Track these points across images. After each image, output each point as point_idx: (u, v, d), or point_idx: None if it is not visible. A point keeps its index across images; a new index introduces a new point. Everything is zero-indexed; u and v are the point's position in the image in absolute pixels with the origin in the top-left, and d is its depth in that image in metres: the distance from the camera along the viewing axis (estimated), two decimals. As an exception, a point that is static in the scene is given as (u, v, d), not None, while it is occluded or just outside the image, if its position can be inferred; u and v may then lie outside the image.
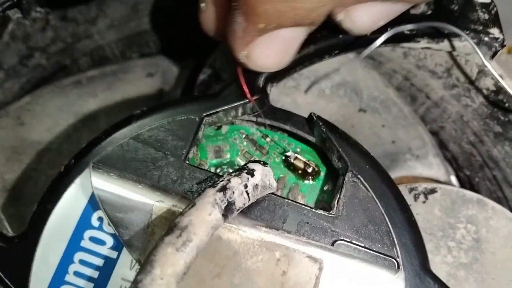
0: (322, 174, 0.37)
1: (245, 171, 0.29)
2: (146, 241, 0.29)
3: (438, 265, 0.40)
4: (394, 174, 0.48)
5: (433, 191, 0.41)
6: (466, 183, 0.49)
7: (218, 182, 0.28)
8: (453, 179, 0.50)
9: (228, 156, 0.37)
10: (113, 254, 0.30)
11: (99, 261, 0.30)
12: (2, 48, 0.43)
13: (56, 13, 0.46)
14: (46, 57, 0.46)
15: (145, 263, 0.23)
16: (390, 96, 0.49)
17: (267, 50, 0.33)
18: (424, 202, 0.41)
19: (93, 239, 0.31)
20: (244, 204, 0.28)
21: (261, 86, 0.35)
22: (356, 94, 0.49)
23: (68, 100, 0.47)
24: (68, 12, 0.46)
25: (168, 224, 0.26)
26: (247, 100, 0.34)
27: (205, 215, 0.26)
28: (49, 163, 0.44)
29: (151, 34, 0.51)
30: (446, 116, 0.47)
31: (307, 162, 0.36)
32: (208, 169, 0.36)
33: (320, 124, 0.34)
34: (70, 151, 0.34)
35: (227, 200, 0.27)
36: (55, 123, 0.46)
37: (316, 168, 0.36)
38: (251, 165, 0.30)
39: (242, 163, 0.37)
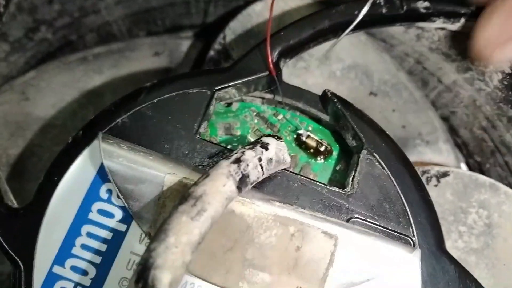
0: (334, 153, 0.36)
1: (259, 145, 0.28)
2: (157, 213, 0.28)
3: (449, 250, 0.39)
4: (403, 159, 0.47)
5: (445, 174, 0.40)
6: (476, 169, 0.48)
7: (232, 154, 0.27)
8: (463, 165, 0.50)
9: (238, 133, 0.36)
10: (122, 227, 0.29)
11: (107, 234, 0.29)
12: (8, 20, 0.42)
13: (62, -12, 0.45)
14: (52, 31, 0.45)
15: (158, 232, 0.23)
16: (401, 79, 0.49)
17: None
18: (436, 185, 0.40)
19: (101, 212, 0.30)
20: (258, 178, 0.28)
21: (274, 61, 0.35)
22: (367, 77, 0.48)
23: (74, 76, 0.46)
24: (75, -13, 0.46)
25: (181, 195, 0.25)
26: (261, 75, 0.34)
27: (220, 185, 0.25)
28: (53, 139, 0.43)
29: (159, 11, 0.50)
30: (458, 101, 0.46)
31: (319, 140, 0.35)
32: (221, 139, 0.35)
33: (335, 100, 0.33)
34: (75, 128, 0.33)
35: (241, 172, 0.26)
36: (60, 99, 0.45)
37: (328, 147, 0.35)
38: (265, 139, 0.29)
39: (252, 140, 0.36)
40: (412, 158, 0.48)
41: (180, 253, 0.22)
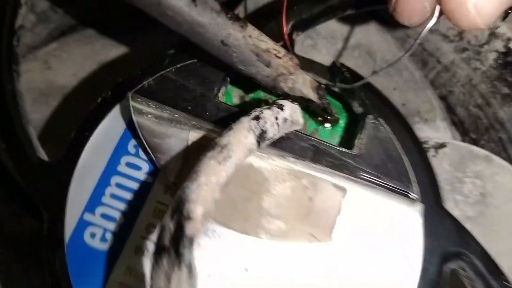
0: (341, 122, 0.38)
1: (276, 106, 0.31)
2: (182, 165, 0.31)
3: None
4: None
5: (443, 145, 0.43)
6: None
7: (251, 112, 0.30)
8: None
9: (252, 101, 0.39)
10: (149, 179, 0.32)
11: (135, 185, 0.32)
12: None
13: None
14: (76, 5, 0.47)
15: (191, 173, 0.25)
16: (402, 60, 0.51)
17: None
18: (434, 156, 0.43)
19: (129, 165, 0.32)
20: (274, 135, 0.30)
21: (288, 33, 0.37)
22: (370, 56, 0.51)
23: (93, 49, 0.48)
24: None
25: (206, 146, 0.27)
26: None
27: (242, 137, 0.27)
28: (73, 107, 0.45)
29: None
30: (455, 80, 0.49)
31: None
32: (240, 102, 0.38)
33: (344, 70, 0.36)
34: (94, 97, 0.35)
35: (260, 127, 0.29)
36: (80, 69, 0.47)
37: (335, 115, 0.38)
38: (280, 101, 0.32)
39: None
40: (411, 134, 0.51)
41: (211, 190, 0.24)
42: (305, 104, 0.35)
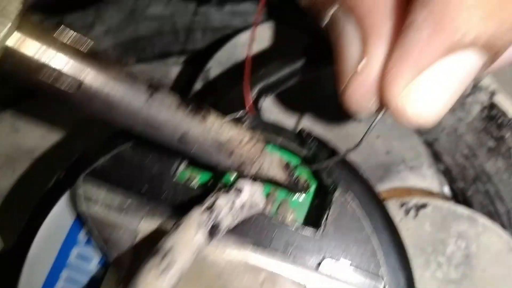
0: (312, 188, 0.36)
1: (233, 189, 0.29)
2: (132, 259, 0.29)
3: (428, 281, 0.40)
4: (387, 185, 0.48)
5: (424, 206, 0.41)
6: (459, 195, 0.49)
7: (204, 201, 0.28)
8: (447, 190, 0.50)
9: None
10: (100, 271, 0.30)
11: (85, 279, 0.30)
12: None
13: (52, 19, 0.46)
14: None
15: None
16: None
17: (437, 88, 0.24)
18: (415, 217, 0.41)
19: (80, 256, 0.31)
20: (230, 224, 0.28)
21: (253, 99, 0.35)
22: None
23: (62, 108, 0.46)
24: (65, 18, 0.46)
25: (153, 244, 0.26)
26: (240, 113, 0.34)
27: (189, 237, 0.26)
28: (43, 171, 0.44)
29: (147, 40, 0.51)
30: (440, 129, 0.47)
31: (297, 176, 0.36)
32: (199, 181, 0.36)
33: (310, 140, 0.34)
34: (64, 159, 0.34)
35: (213, 221, 0.27)
36: (49, 130, 0.46)
37: (306, 184, 0.36)
38: (240, 183, 0.30)
39: (234, 174, 0.37)
40: (396, 183, 0.49)
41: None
42: (274, 185, 0.34)
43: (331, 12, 0.28)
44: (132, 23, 0.50)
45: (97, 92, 0.24)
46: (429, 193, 0.49)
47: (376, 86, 0.25)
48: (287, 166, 0.34)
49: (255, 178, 0.32)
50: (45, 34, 0.23)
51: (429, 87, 0.24)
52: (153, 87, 0.26)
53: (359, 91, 0.26)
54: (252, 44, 0.35)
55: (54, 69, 0.23)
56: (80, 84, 0.24)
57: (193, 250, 0.26)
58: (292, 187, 0.34)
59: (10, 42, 0.22)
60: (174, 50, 0.53)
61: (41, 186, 0.33)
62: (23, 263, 0.31)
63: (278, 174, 0.33)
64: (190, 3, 0.49)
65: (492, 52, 0.23)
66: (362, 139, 0.30)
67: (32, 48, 0.22)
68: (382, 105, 0.25)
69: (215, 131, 0.29)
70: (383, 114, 0.27)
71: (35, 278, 0.30)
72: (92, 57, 0.24)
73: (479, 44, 0.23)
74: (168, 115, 0.27)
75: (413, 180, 0.49)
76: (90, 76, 0.24)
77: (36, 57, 0.23)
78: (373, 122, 0.28)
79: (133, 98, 0.25)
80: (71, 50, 0.24)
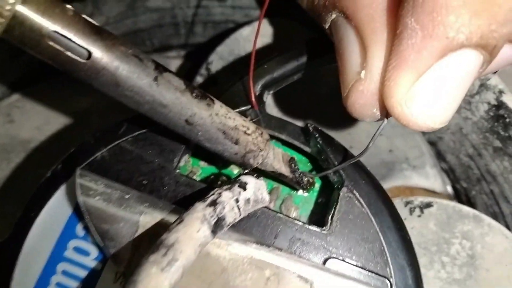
0: (317, 185, 0.36)
1: (237, 185, 0.28)
2: (132, 253, 0.28)
3: (431, 280, 0.39)
4: (390, 184, 0.47)
5: (429, 205, 0.40)
6: (462, 195, 0.48)
7: (208, 196, 0.27)
8: (450, 190, 0.49)
9: (220, 163, 0.36)
10: (98, 266, 0.29)
11: (82, 273, 0.29)
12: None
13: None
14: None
15: (127, 284, 0.22)
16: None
17: (439, 91, 0.24)
18: (419, 216, 0.40)
19: (77, 249, 0.30)
20: (234, 220, 0.27)
21: (257, 94, 0.34)
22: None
23: (60, 98, 0.46)
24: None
25: (154, 239, 0.25)
26: (243, 108, 0.34)
27: (193, 231, 0.25)
28: (38, 162, 0.43)
29: (147, 32, 0.50)
30: (445, 127, 0.46)
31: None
32: (200, 177, 0.35)
33: (317, 135, 0.33)
34: (60, 151, 0.33)
35: (217, 215, 0.26)
36: (45, 121, 0.44)
37: (310, 180, 0.35)
38: (243, 178, 0.29)
39: (235, 171, 0.36)
40: (398, 182, 0.48)
41: (149, 307, 0.22)
42: (277, 178, 0.33)
43: (331, 18, 0.28)
44: (132, 15, 0.49)
45: (107, 64, 0.24)
46: (432, 193, 0.49)
47: (378, 93, 0.25)
48: (291, 160, 0.33)
49: (259, 170, 0.31)
50: (57, 3, 0.23)
51: (430, 90, 0.23)
52: (161, 67, 0.26)
53: (361, 99, 0.26)
54: (257, 38, 0.34)
55: (66, 37, 0.23)
56: (90, 54, 0.23)
57: (196, 245, 0.25)
58: (296, 182, 0.34)
59: (20, 8, 0.21)
60: (174, 43, 0.52)
61: (37, 177, 0.32)
62: (18, 255, 0.30)
63: (282, 167, 0.32)
64: (191, -4, 0.49)
65: (487, 49, 0.23)
66: (369, 144, 0.30)
67: (43, 14, 0.22)
68: (386, 111, 0.25)
69: (221, 116, 0.28)
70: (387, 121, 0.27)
71: (30, 271, 0.29)
72: (103, 30, 0.24)
73: (472, 43, 0.22)
74: (176, 96, 0.26)
75: (416, 179, 0.48)
76: (101, 48, 0.23)
77: (47, 24, 0.22)
78: (378, 129, 0.28)
79: (142, 74, 0.25)
80: (82, 19, 0.23)
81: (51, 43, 0.22)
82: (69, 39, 0.23)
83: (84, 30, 0.23)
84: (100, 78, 0.24)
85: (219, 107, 0.28)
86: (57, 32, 0.22)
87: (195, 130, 0.28)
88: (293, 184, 0.34)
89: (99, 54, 0.23)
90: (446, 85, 0.24)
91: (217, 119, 0.28)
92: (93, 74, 0.24)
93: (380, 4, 0.25)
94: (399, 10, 0.23)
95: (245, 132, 0.29)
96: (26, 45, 0.22)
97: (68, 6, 0.23)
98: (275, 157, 0.32)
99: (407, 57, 0.23)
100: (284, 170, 0.32)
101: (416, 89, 0.23)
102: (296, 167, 0.33)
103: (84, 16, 0.24)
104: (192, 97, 0.27)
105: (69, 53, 0.23)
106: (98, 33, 0.24)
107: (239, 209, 0.28)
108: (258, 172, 0.31)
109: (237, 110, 0.33)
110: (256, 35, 0.33)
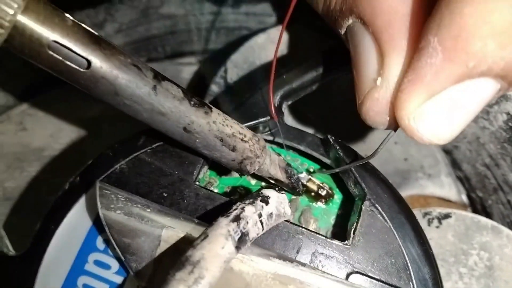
0: (336, 197, 0.35)
1: (260, 199, 0.28)
2: (154, 268, 0.28)
3: (449, 292, 0.39)
4: (405, 192, 0.47)
5: (447, 216, 0.40)
6: (478, 204, 0.48)
7: (231, 211, 0.26)
8: (465, 199, 0.49)
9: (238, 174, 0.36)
10: (119, 279, 0.29)
11: (103, 287, 0.29)
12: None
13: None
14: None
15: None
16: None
17: (449, 114, 0.24)
18: (437, 227, 0.40)
19: (97, 263, 0.29)
20: (257, 234, 0.27)
21: (276, 104, 0.34)
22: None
23: (72, 105, 0.45)
24: (75, 15, 0.45)
25: (178, 255, 0.24)
26: (263, 119, 0.33)
27: (218, 248, 0.24)
28: (52, 171, 0.42)
29: (159, 39, 0.50)
30: (462, 136, 0.46)
31: (320, 184, 0.35)
32: (218, 187, 0.35)
33: (337, 147, 0.33)
34: (73, 159, 0.33)
35: (241, 231, 0.26)
36: (58, 128, 0.44)
37: (330, 191, 0.35)
38: (265, 192, 0.29)
39: (253, 182, 0.36)
40: (413, 191, 0.48)
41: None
42: (273, 183, 0.34)
43: (347, 23, 0.27)
44: (145, 22, 0.49)
45: (106, 73, 0.24)
46: (447, 202, 0.48)
47: (390, 103, 0.25)
48: (287, 166, 0.33)
49: (256, 175, 0.32)
50: (57, 13, 0.22)
51: (440, 111, 0.23)
52: (160, 76, 0.26)
53: (376, 107, 0.26)
54: (277, 51, 0.34)
55: (65, 46, 0.22)
56: (89, 63, 0.23)
57: (221, 262, 0.24)
58: (292, 188, 0.34)
59: (21, 18, 0.21)
60: (187, 50, 0.51)
61: (51, 187, 0.32)
62: (38, 269, 0.29)
63: (278, 173, 0.33)
64: (205, 3, 0.48)
65: (507, 80, 0.23)
66: (379, 147, 0.30)
67: (43, 24, 0.22)
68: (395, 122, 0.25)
69: (219, 124, 0.29)
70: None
71: (51, 284, 0.29)
72: (102, 39, 0.24)
73: (493, 73, 0.22)
74: (174, 104, 0.27)
75: (431, 188, 0.48)
76: (100, 57, 0.23)
77: (47, 34, 0.22)
78: (388, 135, 0.29)
79: (140, 83, 0.25)
80: (82, 29, 0.23)
81: (50, 52, 0.22)
82: (69, 49, 0.23)
83: (83, 39, 0.23)
84: (99, 87, 0.24)
85: (216, 115, 0.29)
86: (57, 42, 0.22)
87: (193, 138, 0.28)
88: (289, 189, 0.34)
89: (98, 63, 0.23)
90: (458, 109, 0.24)
91: (214, 126, 0.28)
92: (92, 83, 0.24)
93: (400, 11, 0.25)
94: (425, 24, 0.23)
95: (242, 139, 0.30)
96: (26, 54, 0.22)
97: (67, 15, 0.23)
98: (272, 163, 0.33)
99: (423, 75, 0.23)
100: (281, 176, 0.33)
101: (427, 107, 0.23)
102: (292, 173, 0.33)
103: (83, 25, 0.24)
104: (190, 105, 0.27)
105: (68, 63, 0.23)
106: (97, 43, 0.24)
107: (262, 223, 0.27)
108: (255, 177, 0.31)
109: (257, 121, 0.33)
110: (276, 49, 0.33)
